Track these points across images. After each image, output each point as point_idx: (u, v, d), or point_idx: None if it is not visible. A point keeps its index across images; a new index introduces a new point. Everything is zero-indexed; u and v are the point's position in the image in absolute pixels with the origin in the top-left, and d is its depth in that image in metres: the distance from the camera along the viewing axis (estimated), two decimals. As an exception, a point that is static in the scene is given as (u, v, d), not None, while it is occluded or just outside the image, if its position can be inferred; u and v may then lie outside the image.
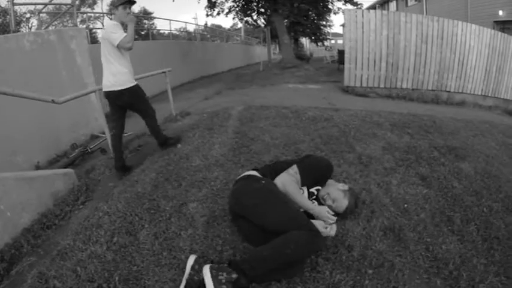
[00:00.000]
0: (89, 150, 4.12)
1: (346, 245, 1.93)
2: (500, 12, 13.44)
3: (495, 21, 13.47)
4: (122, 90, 3.01)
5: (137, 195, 2.54)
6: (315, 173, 2.17)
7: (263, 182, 2.01)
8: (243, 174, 2.15)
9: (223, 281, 1.54)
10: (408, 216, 2.28)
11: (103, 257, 1.90)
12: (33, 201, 2.46)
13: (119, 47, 2.93)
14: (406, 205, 2.41)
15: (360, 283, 1.68)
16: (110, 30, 2.90)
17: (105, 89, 3.07)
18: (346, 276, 1.71)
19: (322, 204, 2.12)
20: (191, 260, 1.68)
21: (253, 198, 1.90)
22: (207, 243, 1.97)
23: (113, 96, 3.06)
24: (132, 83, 3.09)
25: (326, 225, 1.87)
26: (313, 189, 2.18)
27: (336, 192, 2.11)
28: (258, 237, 1.84)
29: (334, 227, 1.92)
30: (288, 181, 2.03)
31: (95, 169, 3.37)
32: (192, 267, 1.63)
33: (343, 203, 2.10)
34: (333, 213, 1.97)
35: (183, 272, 1.67)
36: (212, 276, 1.54)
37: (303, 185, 2.13)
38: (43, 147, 4.22)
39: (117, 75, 3.00)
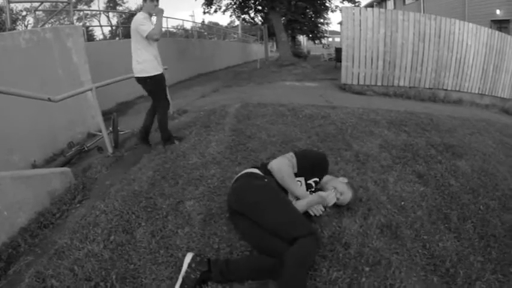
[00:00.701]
0: (86, 149, 4.10)
1: (343, 243, 1.94)
2: (498, 11, 13.49)
3: (492, 20, 13.52)
4: (147, 77, 3.32)
5: (134, 194, 2.53)
6: (311, 161, 2.23)
7: (265, 180, 2.01)
8: (244, 172, 2.15)
9: None
10: (405, 214, 2.29)
11: (100, 256, 1.89)
12: (30, 200, 2.44)
13: (147, 38, 3.20)
14: (403, 203, 2.42)
15: (357, 280, 1.69)
16: (139, 23, 3.18)
17: (135, 75, 3.40)
18: (343, 273, 1.72)
19: None
20: (188, 258, 1.68)
21: (255, 196, 1.90)
22: (204, 241, 1.97)
23: (140, 82, 3.40)
24: (158, 72, 3.37)
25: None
26: (310, 181, 2.20)
27: (341, 185, 2.19)
28: (255, 235, 1.84)
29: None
30: (283, 163, 2.08)
31: (91, 167, 3.35)
32: (189, 265, 1.63)
33: (348, 195, 2.18)
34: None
35: (180, 270, 1.67)
36: None
37: (299, 173, 2.15)
38: (40, 146, 4.19)
39: (144, 63, 3.29)
